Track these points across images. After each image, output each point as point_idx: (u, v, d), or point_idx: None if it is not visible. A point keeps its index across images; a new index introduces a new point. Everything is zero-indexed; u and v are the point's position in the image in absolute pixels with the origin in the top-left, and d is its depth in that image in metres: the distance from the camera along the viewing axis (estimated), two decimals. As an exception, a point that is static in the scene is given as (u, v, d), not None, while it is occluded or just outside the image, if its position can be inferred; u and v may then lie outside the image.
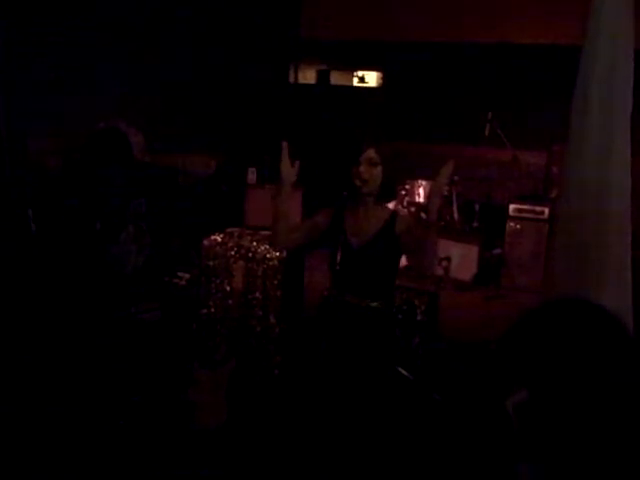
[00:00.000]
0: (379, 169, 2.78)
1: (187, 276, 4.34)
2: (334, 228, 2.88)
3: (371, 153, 2.78)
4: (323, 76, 7.90)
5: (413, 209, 5.88)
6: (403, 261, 2.96)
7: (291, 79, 7.44)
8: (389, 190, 2.95)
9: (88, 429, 3.25)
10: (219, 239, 4.34)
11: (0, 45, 3.87)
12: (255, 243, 4.28)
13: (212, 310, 4.26)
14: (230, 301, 4.24)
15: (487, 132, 5.75)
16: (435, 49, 6.57)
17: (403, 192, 5.95)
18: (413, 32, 6.50)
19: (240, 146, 6.39)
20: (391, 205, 3.14)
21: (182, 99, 5.51)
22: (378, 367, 2.81)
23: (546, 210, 5.48)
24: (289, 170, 2.82)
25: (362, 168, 2.76)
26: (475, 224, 5.88)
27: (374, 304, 2.81)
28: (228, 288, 4.24)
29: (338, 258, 2.79)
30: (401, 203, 5.91)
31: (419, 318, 3.60)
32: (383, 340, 2.83)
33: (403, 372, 3.18)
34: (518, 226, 5.56)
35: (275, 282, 4.16)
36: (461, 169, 6.12)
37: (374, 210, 2.88)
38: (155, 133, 4.92)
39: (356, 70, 7.76)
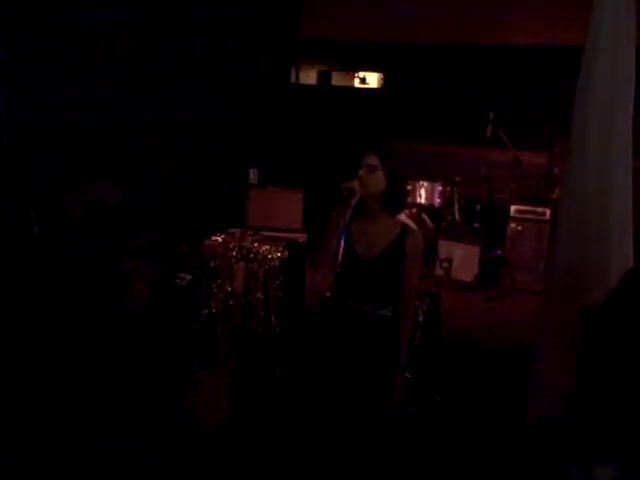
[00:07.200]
0: (378, 174, 2.75)
1: (188, 277, 4.33)
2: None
3: (371, 158, 2.76)
4: (324, 77, 7.90)
5: (414, 210, 5.89)
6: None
7: (292, 80, 7.45)
8: (398, 200, 2.89)
9: (87, 428, 3.26)
10: (220, 240, 4.33)
11: (1, 45, 3.88)
12: (256, 244, 4.27)
13: (213, 311, 4.25)
14: (231, 302, 4.23)
15: (489, 133, 5.74)
16: (436, 50, 6.58)
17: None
18: (414, 33, 6.52)
19: (242, 147, 6.40)
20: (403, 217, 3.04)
21: (182, 99, 5.52)
22: (379, 370, 2.80)
23: (547, 211, 5.48)
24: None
25: (361, 172, 2.74)
26: (476, 225, 5.88)
27: (381, 311, 2.79)
28: (229, 289, 4.24)
29: (339, 260, 2.77)
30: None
31: (420, 319, 3.59)
32: (385, 345, 2.80)
33: (404, 373, 3.17)
34: (519, 227, 5.56)
35: (276, 283, 4.15)
36: (462, 170, 6.13)
37: (384, 222, 2.82)
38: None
39: (357, 71, 7.76)
